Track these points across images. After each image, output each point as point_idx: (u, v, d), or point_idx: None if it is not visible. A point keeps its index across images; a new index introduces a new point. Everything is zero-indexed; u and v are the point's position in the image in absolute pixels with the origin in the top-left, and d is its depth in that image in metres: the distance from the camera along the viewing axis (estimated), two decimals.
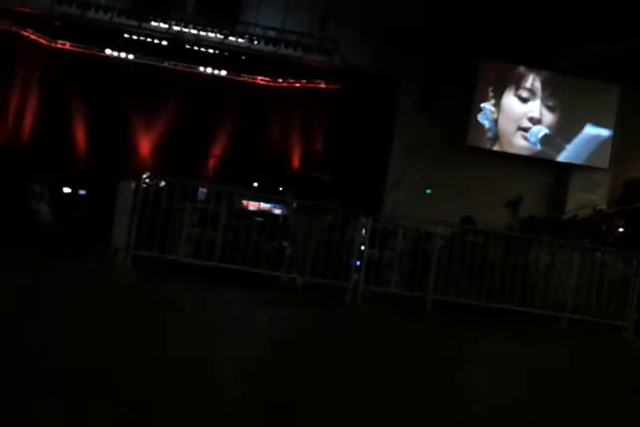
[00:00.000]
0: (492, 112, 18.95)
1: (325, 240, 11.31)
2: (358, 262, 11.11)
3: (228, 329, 6.65)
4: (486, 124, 18.90)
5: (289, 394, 4.21)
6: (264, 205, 12.78)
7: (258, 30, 18.20)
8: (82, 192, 16.82)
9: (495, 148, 19.07)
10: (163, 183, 11.20)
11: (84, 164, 18.66)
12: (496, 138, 19.03)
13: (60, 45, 18.85)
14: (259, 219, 12.05)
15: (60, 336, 4.87)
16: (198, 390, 3.90)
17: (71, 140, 18.93)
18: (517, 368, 6.79)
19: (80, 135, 19.04)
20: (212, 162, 19.48)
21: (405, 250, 11.64)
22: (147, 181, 10.86)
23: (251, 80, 19.94)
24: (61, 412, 3.15)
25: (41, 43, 18.67)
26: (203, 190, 12.13)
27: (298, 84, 19.99)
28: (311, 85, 19.87)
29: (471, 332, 9.64)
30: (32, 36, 18.53)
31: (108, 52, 18.94)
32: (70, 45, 18.90)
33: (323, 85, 19.71)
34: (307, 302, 10.47)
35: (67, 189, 16.51)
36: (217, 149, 19.61)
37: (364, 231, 11.27)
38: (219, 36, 18.28)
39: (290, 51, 18.16)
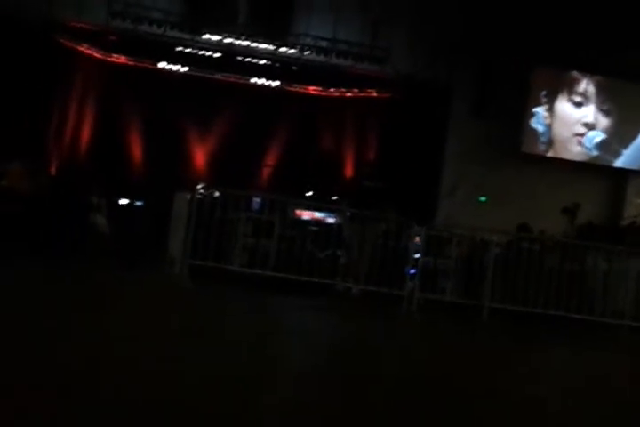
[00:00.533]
0: (546, 117, 18.76)
1: (380, 248, 11.31)
2: (413, 270, 11.09)
3: (285, 336, 6.68)
4: (540, 129, 18.71)
5: (346, 400, 4.21)
6: (318, 215, 12.83)
7: (309, 40, 18.29)
8: (138, 203, 17.02)
9: (549, 154, 18.86)
10: (217, 194, 11.31)
11: (140, 175, 18.90)
12: (550, 143, 18.82)
13: (114, 59, 19.13)
14: (313, 228, 12.10)
15: (132, 340, 4.94)
16: (255, 395, 3.93)
17: (127, 153, 19.19)
18: (585, 376, 6.69)
19: (136, 147, 19.30)
20: (265, 172, 19.59)
21: (460, 258, 11.58)
22: (201, 191, 10.99)
23: (302, 90, 20.02)
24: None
25: (96, 57, 18.98)
26: (257, 200, 12.22)
27: (349, 94, 20.00)
28: (363, 94, 19.86)
29: (531, 340, 9.55)
30: (87, 51, 18.85)
31: (161, 65, 19.17)
32: (125, 59, 19.18)
33: (374, 94, 19.69)
34: (362, 310, 10.47)
35: (123, 201, 16.72)
36: (270, 159, 19.71)
37: (418, 239, 11.25)
38: (270, 47, 18.40)
39: (341, 60, 18.22)
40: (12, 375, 3.57)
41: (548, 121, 18.75)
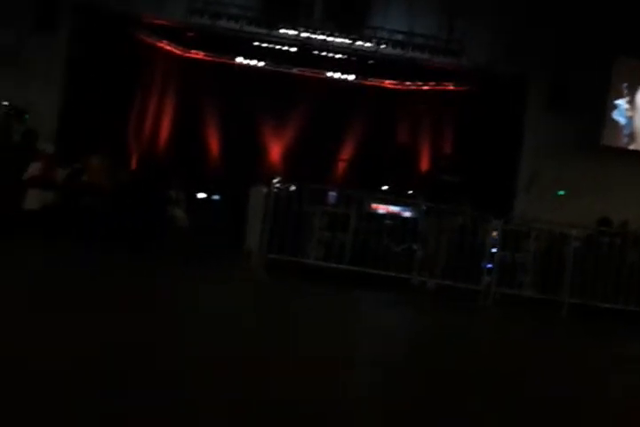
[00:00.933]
0: (627, 109, 18.35)
1: (456, 243, 11.24)
2: (490, 265, 11.00)
3: (363, 330, 6.70)
4: (622, 121, 18.31)
5: (425, 394, 4.21)
6: (393, 208, 12.82)
7: (385, 34, 18.23)
8: (215, 197, 17.25)
9: (632, 146, 18.43)
10: (293, 188, 11.39)
11: (217, 169, 19.16)
12: (632, 136, 18.40)
13: (193, 55, 19.42)
14: (388, 222, 12.09)
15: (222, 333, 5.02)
16: (334, 391, 3.95)
17: (205, 147, 19.47)
18: None
19: (213, 142, 19.56)
20: (341, 166, 19.64)
21: (538, 252, 11.44)
22: (278, 185, 11.07)
23: (378, 84, 19.99)
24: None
25: (175, 53, 19.29)
26: (332, 194, 12.28)
27: (426, 87, 19.90)
28: (439, 87, 19.74)
29: (611, 336, 9.37)
30: (167, 47, 19.17)
31: (238, 60, 19.36)
32: (203, 54, 19.44)
33: (451, 87, 19.56)
34: (438, 304, 10.43)
35: (201, 195, 16.97)
36: (346, 153, 19.76)
37: (495, 233, 11.15)
38: (346, 40, 18.40)
39: (417, 53, 18.11)
40: (120, 376, 3.65)
41: (629, 113, 18.33)
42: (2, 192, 11.67)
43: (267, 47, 18.88)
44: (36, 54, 16.78)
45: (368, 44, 18.34)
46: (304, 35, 18.29)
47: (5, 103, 15.71)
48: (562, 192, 18.15)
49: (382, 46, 18.21)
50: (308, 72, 19.64)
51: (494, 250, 11.06)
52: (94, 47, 17.06)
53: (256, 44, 18.84)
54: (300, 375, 4.18)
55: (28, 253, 9.33)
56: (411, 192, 16.06)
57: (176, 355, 4.28)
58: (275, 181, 11.13)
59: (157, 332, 4.95)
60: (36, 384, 3.24)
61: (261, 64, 19.39)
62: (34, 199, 11.60)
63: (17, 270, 7.22)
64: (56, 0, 16.90)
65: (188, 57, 19.37)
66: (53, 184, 11.88)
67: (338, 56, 19.05)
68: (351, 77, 19.66)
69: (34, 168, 12.01)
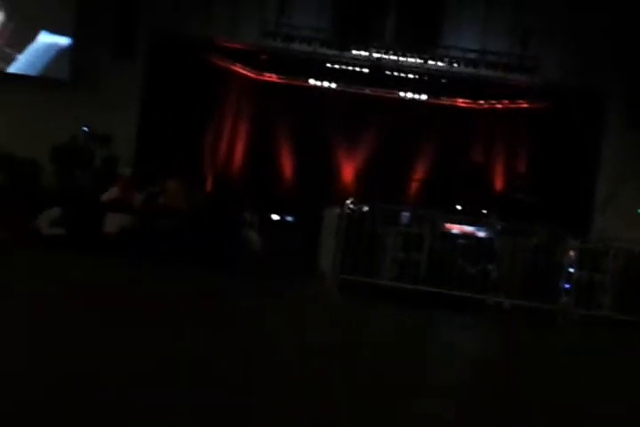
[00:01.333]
0: None
1: (531, 262, 11.08)
2: (567, 285, 10.81)
3: (441, 352, 6.65)
4: None
5: (506, 417, 4.16)
6: (467, 228, 12.69)
7: (457, 52, 18.18)
8: (289, 219, 17.35)
9: None
10: (366, 208, 11.39)
11: (290, 191, 19.27)
12: None
13: (266, 77, 19.62)
14: (462, 241, 11.98)
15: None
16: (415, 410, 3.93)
17: (278, 169, 19.60)
18: None
19: (287, 163, 19.69)
20: (414, 186, 19.56)
21: (617, 271, 11.19)
22: (350, 206, 11.10)
23: (451, 103, 19.88)
24: None
25: (249, 76, 19.53)
26: (405, 214, 12.22)
27: (499, 105, 19.72)
28: (513, 105, 19.54)
29: None
30: (241, 70, 19.42)
31: (311, 82, 19.50)
32: (276, 77, 19.63)
33: (525, 105, 19.34)
34: (516, 325, 10.27)
35: (275, 217, 17.09)
36: (419, 173, 19.66)
37: (572, 253, 10.96)
38: (418, 60, 18.41)
39: (490, 71, 18.01)
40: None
41: None
42: (82, 216, 11.96)
43: (339, 68, 18.99)
44: (114, 80, 17.22)
45: (440, 64, 18.31)
46: (376, 55, 18.36)
47: (85, 129, 16.14)
48: None
49: (455, 65, 18.15)
50: (380, 92, 19.65)
51: (571, 270, 10.86)
52: (170, 72, 17.43)
53: (328, 65, 18.96)
54: (381, 400, 4.16)
55: (108, 275, 9.51)
56: (485, 212, 15.89)
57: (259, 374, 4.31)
58: (348, 201, 11.16)
59: (236, 349, 4.99)
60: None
61: (334, 85, 19.48)
62: (112, 222, 11.84)
63: (99, 291, 7.37)
64: (134, 27, 17.33)
65: (262, 79, 19.58)
66: (131, 207, 12.12)
67: (410, 76, 19.03)
68: (423, 97, 19.59)
69: (112, 192, 12.29)
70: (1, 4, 17.12)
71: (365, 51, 18.35)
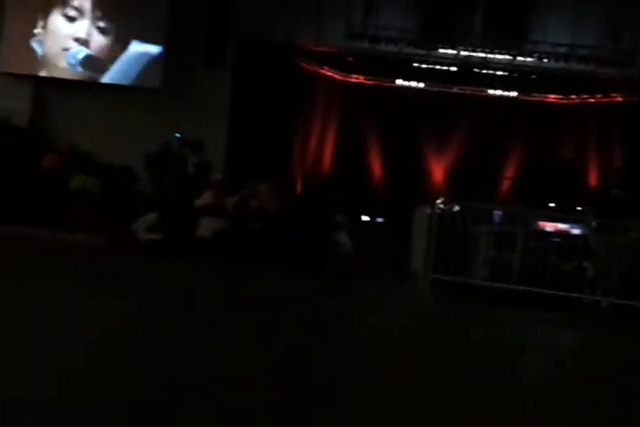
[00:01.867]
0: None
1: (630, 260, 10.81)
2: None
3: (540, 352, 6.55)
4: None
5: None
6: (561, 226, 12.47)
7: (547, 47, 17.88)
8: (379, 220, 17.34)
9: None
10: (457, 208, 11.31)
11: (380, 192, 19.28)
12: None
13: (354, 80, 19.67)
14: (556, 239, 11.77)
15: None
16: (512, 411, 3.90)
17: (368, 170, 19.64)
18: None
19: (376, 164, 19.70)
20: (505, 184, 19.31)
21: None
22: (441, 206, 11.03)
23: (542, 99, 19.56)
24: None
25: (336, 78, 19.62)
26: (497, 213, 12.08)
27: (592, 100, 19.30)
28: (606, 100, 19.09)
29: None
30: (328, 73, 19.53)
31: (398, 82, 19.46)
32: (363, 79, 19.66)
33: (619, 99, 18.87)
34: (615, 324, 10.03)
35: (365, 218, 17.10)
36: (510, 171, 19.40)
37: None
38: (507, 57, 18.17)
39: (582, 66, 17.64)
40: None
41: None
42: (177, 221, 12.20)
43: (426, 68, 18.91)
44: (204, 87, 17.52)
45: (529, 59, 18.04)
46: (463, 53, 18.21)
47: (177, 135, 16.46)
48: None
49: (544, 60, 17.86)
50: (468, 91, 19.48)
51: None
52: (258, 77, 17.65)
53: (415, 65, 18.90)
54: (484, 401, 4.13)
55: (204, 278, 9.67)
56: (579, 208, 15.56)
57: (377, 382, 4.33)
58: (438, 201, 11.10)
59: (344, 349, 5.02)
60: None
61: (421, 85, 19.40)
62: (206, 227, 12.05)
63: (198, 294, 7.50)
64: (222, 34, 17.62)
65: (349, 81, 19.65)
66: (223, 211, 12.31)
67: (498, 73, 18.81)
68: (513, 94, 19.33)
69: (205, 197, 12.50)
70: (92, 16, 17.61)
71: (452, 49, 18.21)
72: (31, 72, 17.88)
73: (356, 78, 19.65)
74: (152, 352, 4.44)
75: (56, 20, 17.72)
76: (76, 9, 17.71)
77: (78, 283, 7.11)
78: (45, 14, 17.69)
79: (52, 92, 18.04)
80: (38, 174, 13.53)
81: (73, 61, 17.61)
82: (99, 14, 17.66)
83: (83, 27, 17.66)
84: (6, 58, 17.77)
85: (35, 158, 14.34)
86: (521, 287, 10.53)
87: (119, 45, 17.63)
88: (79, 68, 17.64)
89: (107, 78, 17.72)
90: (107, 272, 8.70)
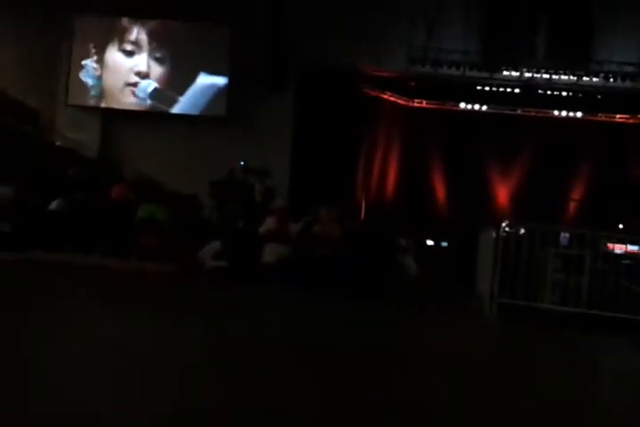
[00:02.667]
0: None
1: None
2: None
3: (612, 376, 6.40)
4: None
5: None
6: (632, 247, 12.20)
7: (613, 67, 17.66)
8: (443, 244, 17.23)
9: None
10: (522, 230, 11.15)
11: (445, 215, 19.18)
12: None
13: (416, 104, 19.68)
14: (627, 262, 11.52)
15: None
16: None
17: (432, 193, 19.57)
18: None
19: (439, 188, 19.63)
20: (572, 205, 19.02)
21: None
22: (506, 228, 10.89)
23: (608, 119, 19.28)
24: None
25: (399, 103, 19.65)
26: (565, 235, 11.87)
27: None
28: None
29: None
30: (390, 98, 19.58)
31: (462, 105, 19.40)
32: (426, 103, 19.65)
33: None
34: None
35: (430, 242, 17.01)
36: (577, 192, 19.12)
37: None
38: (571, 77, 18.00)
39: None
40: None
41: None
42: (242, 248, 12.28)
43: (489, 90, 18.83)
44: (268, 114, 17.73)
45: (595, 79, 17.83)
46: (527, 75, 18.11)
47: (242, 163, 16.63)
48: None
49: (611, 80, 17.62)
50: (532, 112, 19.32)
51: None
52: (320, 103, 17.78)
53: (478, 88, 18.84)
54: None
55: (271, 305, 9.69)
56: None
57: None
58: (503, 224, 10.97)
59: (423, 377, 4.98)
60: None
61: (485, 108, 19.30)
62: (270, 253, 12.09)
63: (267, 323, 7.52)
64: (285, 62, 17.83)
65: (412, 106, 19.66)
66: (287, 238, 12.35)
67: (563, 94, 18.62)
68: (578, 114, 19.10)
69: (268, 223, 12.56)
70: (150, 48, 18.01)
71: (516, 71, 18.13)
72: (98, 105, 18.32)
73: (419, 103, 19.66)
74: (238, 382, 4.45)
75: (114, 54, 18.20)
76: (134, 43, 18.16)
77: (153, 311, 7.18)
78: (102, 49, 18.18)
79: (120, 123, 18.46)
80: (107, 204, 13.79)
81: (142, 95, 18.03)
82: (155, 46, 18.07)
83: (142, 60, 18.09)
84: (75, 91, 18.26)
85: (103, 188, 14.63)
86: (590, 311, 10.30)
87: (182, 75, 17.99)
88: (148, 101, 18.04)
89: (175, 109, 18.08)
90: (177, 300, 8.78)
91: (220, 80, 18.18)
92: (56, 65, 18.32)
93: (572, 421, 4.36)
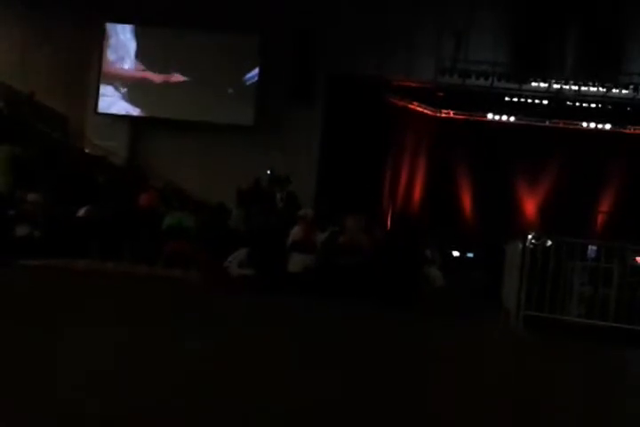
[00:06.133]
0: None
1: None
2: None
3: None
4: None
5: None
6: None
7: None
8: (469, 255, 17.16)
9: None
10: (549, 242, 11.08)
11: (471, 227, 19.12)
12: None
13: (444, 114, 19.66)
14: None
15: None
16: None
17: (458, 204, 19.52)
18: None
19: (466, 199, 19.58)
20: (600, 218, 18.90)
21: None
22: (533, 240, 10.82)
23: (637, 131, 19.15)
24: None
25: (427, 114, 19.64)
26: (592, 248, 11.78)
27: None
28: None
29: None
30: (418, 108, 19.57)
31: (489, 116, 19.35)
32: (453, 113, 19.62)
33: None
34: None
35: (455, 253, 16.94)
36: (605, 205, 19.00)
37: None
38: (601, 89, 17.92)
39: None
40: None
41: None
42: (268, 256, 12.30)
43: (517, 102, 18.78)
44: (295, 123, 17.79)
45: (624, 91, 17.73)
46: (556, 86, 18.04)
47: (269, 172, 16.68)
48: None
49: None
50: (560, 124, 19.23)
51: None
52: (347, 112, 17.83)
53: (507, 99, 18.80)
54: None
55: (299, 315, 9.69)
56: None
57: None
58: (530, 235, 10.90)
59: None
60: None
61: (512, 119, 19.25)
62: (296, 262, 12.10)
63: (296, 333, 7.53)
64: (312, 72, 17.88)
65: (439, 116, 19.64)
66: (314, 247, 12.35)
67: (592, 105, 18.53)
68: (607, 126, 18.99)
69: (295, 232, 12.57)
70: (189, 60, 18.17)
71: (544, 82, 18.07)
72: (127, 113, 18.48)
73: (447, 113, 19.63)
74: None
75: (143, 62, 18.41)
76: (163, 51, 18.38)
77: (175, 318, 7.21)
78: (131, 57, 18.37)
79: (148, 131, 18.60)
80: (135, 211, 13.88)
81: (171, 103, 18.19)
82: (184, 55, 18.23)
83: (171, 69, 18.28)
84: (104, 99, 18.43)
85: (132, 195, 14.73)
86: (618, 324, 10.21)
87: (210, 84, 18.11)
88: (177, 110, 18.19)
89: (203, 118, 18.19)
90: (205, 310, 8.80)
91: (249, 89, 18.26)
92: (86, 73, 18.48)
93: None
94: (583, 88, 18.11)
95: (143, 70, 18.52)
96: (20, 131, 14.89)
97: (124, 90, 18.51)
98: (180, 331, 6.51)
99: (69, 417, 3.34)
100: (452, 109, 19.58)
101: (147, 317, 7.21)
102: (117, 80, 18.43)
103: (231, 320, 7.93)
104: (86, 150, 18.24)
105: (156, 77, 18.46)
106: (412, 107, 19.50)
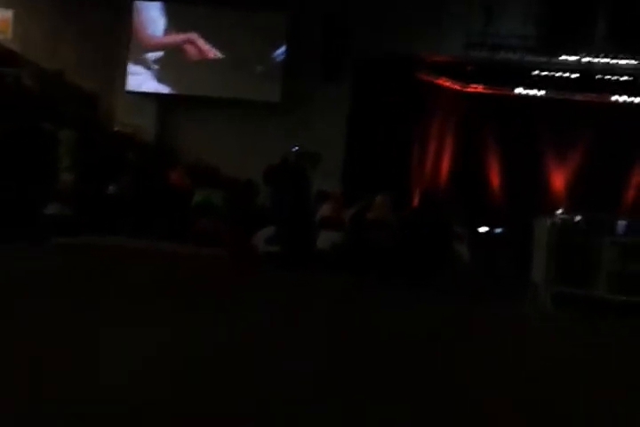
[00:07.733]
0: None
1: None
2: None
3: None
4: None
5: None
6: None
7: None
8: (497, 231, 17.10)
9: None
10: (578, 218, 11.06)
11: (499, 202, 19.04)
12: None
13: (472, 89, 19.52)
14: None
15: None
16: None
17: (486, 180, 19.41)
18: None
19: (494, 174, 19.47)
20: (631, 193, 18.73)
21: None
22: (562, 216, 10.81)
23: None
24: None
25: (454, 88, 19.51)
26: (621, 223, 11.73)
27: None
28: None
29: None
30: (446, 83, 19.45)
31: (518, 90, 19.19)
32: (482, 88, 19.48)
33: None
34: None
35: (483, 229, 16.89)
36: (636, 180, 18.82)
37: None
38: (631, 61, 17.69)
39: None
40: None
41: None
42: (296, 234, 12.37)
43: (547, 75, 18.59)
44: (323, 100, 17.78)
45: None
46: (585, 59, 17.83)
47: (296, 148, 16.68)
48: None
49: None
50: (591, 97, 19.02)
51: None
52: (376, 89, 17.78)
53: (536, 73, 18.62)
54: None
55: (329, 294, 9.74)
56: None
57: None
58: (558, 211, 10.89)
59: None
60: None
61: (542, 93, 19.07)
62: (324, 240, 12.17)
63: (314, 308, 7.59)
64: (340, 48, 17.83)
65: (468, 91, 19.51)
66: (342, 224, 12.41)
67: (623, 79, 18.31)
68: (638, 100, 18.77)
69: (324, 209, 12.64)
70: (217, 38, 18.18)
71: (574, 55, 17.86)
72: (156, 90, 18.56)
73: (475, 88, 19.49)
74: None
75: (171, 40, 18.46)
76: (191, 30, 18.40)
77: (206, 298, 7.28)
78: (160, 35, 18.43)
79: (177, 109, 18.68)
80: (164, 189, 14.00)
81: (199, 81, 18.25)
82: (212, 32, 18.25)
83: (199, 46, 18.32)
84: (133, 77, 18.51)
85: (161, 173, 14.85)
86: None
87: (238, 62, 18.12)
88: (205, 87, 18.24)
89: (231, 95, 18.22)
90: (230, 286, 8.87)
91: (276, 66, 18.26)
92: (116, 51, 18.55)
93: None
94: (613, 61, 17.88)
95: (170, 48, 18.56)
96: (52, 110, 15.02)
97: (153, 68, 18.56)
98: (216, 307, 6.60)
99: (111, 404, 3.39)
100: (481, 84, 19.40)
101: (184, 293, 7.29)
102: (146, 58, 18.49)
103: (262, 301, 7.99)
104: (116, 129, 18.36)
105: (185, 55, 18.50)
106: (439, 82, 19.38)
